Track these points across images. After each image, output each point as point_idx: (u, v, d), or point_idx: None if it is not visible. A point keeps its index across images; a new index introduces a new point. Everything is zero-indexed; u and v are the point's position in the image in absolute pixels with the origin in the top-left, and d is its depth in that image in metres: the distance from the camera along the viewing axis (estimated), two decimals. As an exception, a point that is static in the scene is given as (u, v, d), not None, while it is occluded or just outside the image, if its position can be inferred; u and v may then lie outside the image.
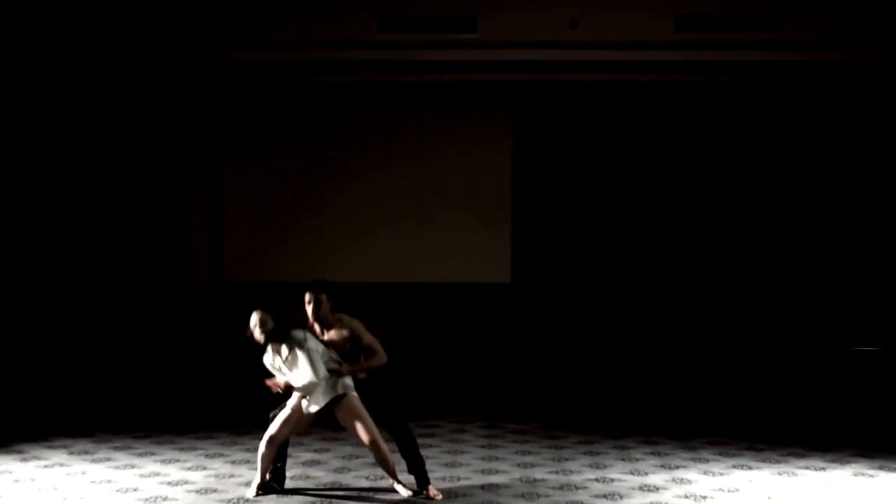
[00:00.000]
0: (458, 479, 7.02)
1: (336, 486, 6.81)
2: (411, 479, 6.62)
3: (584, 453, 7.92)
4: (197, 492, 6.63)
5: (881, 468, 7.39)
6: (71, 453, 7.95)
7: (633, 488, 6.72)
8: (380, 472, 7.19)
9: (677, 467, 7.40)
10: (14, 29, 9.77)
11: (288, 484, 6.81)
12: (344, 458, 7.81)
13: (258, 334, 6.55)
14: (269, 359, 6.59)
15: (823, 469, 7.37)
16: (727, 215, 11.44)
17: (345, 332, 6.65)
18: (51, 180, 10.74)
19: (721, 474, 7.18)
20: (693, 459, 7.70)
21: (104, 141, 11.23)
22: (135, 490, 6.69)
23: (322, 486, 6.80)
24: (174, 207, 11.60)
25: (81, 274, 11.02)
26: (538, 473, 7.19)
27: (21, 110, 10.29)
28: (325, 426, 9.14)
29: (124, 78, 10.90)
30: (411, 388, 11.03)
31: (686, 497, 6.47)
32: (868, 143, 11.27)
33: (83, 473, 7.21)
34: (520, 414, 9.83)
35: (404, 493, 6.53)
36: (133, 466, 7.46)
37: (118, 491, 6.67)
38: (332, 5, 10.22)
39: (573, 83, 11.21)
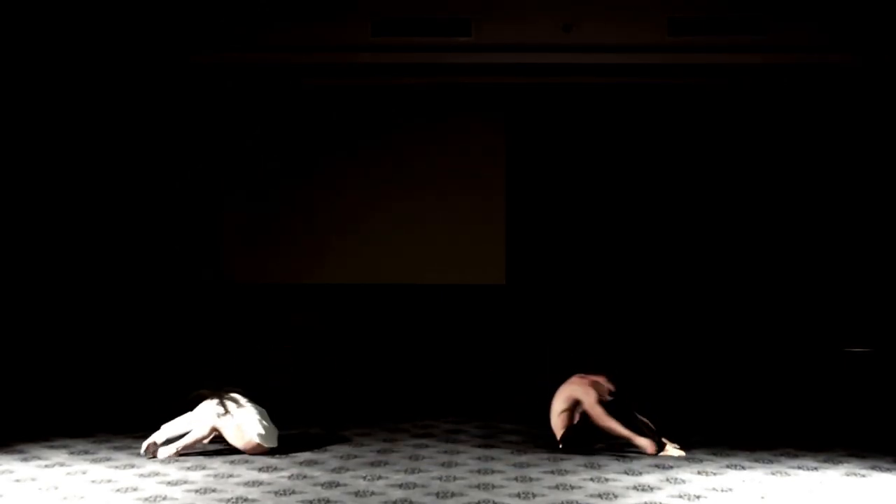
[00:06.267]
0: (454, 478, 7.09)
1: (334, 485, 6.87)
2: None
3: (579, 453, 7.98)
4: (196, 491, 6.69)
5: (873, 468, 7.46)
6: (71, 453, 8.01)
7: (628, 488, 6.79)
8: (377, 471, 7.27)
9: (671, 467, 7.47)
10: (21, 36, 9.87)
11: (285, 484, 6.89)
12: (342, 457, 7.86)
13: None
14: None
15: (816, 469, 7.45)
16: (720, 217, 11.50)
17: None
18: (51, 183, 10.79)
19: (714, 474, 7.25)
20: (687, 459, 7.77)
21: (106, 145, 11.27)
22: (134, 490, 6.74)
23: (319, 486, 6.85)
24: (173, 209, 11.63)
25: (80, 275, 11.06)
26: (533, 473, 7.26)
27: (25, 110, 10.38)
28: (321, 427, 9.28)
29: (128, 82, 10.93)
30: (408, 388, 11.16)
31: (680, 497, 6.54)
32: (859, 145, 11.33)
33: (83, 473, 7.27)
34: (515, 414, 9.92)
35: None
36: (133, 466, 7.52)
37: (118, 490, 6.73)
38: (326, 9, 10.27)
39: (566, 86, 11.25)
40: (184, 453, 7.89)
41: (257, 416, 7.98)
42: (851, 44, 10.14)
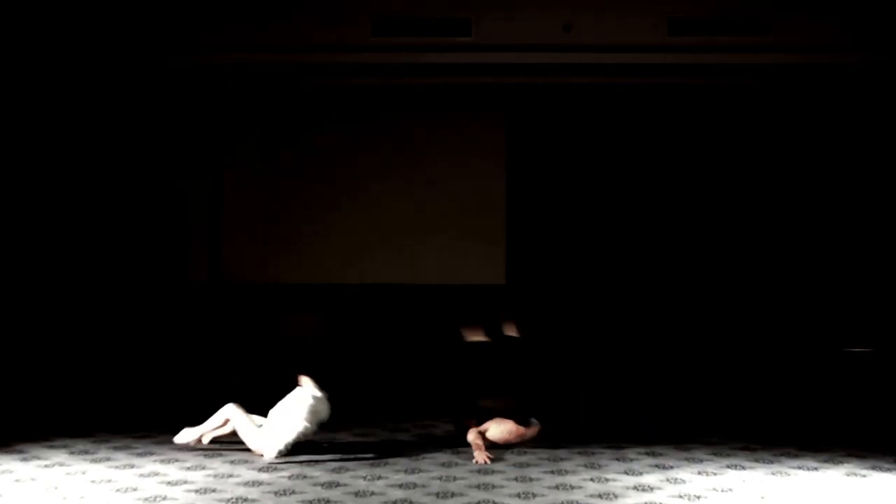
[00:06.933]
0: (454, 478, 7.09)
1: (334, 485, 6.87)
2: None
3: (579, 453, 7.99)
4: (196, 491, 6.69)
5: (873, 468, 7.47)
6: (71, 453, 8.01)
7: (628, 488, 6.79)
8: (377, 471, 7.27)
9: (671, 467, 7.47)
10: (21, 34, 9.86)
11: (286, 484, 6.89)
12: (342, 458, 7.86)
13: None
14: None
15: (816, 469, 7.45)
16: (720, 218, 11.50)
17: None
18: (54, 183, 10.78)
19: (715, 474, 7.25)
20: (687, 459, 7.77)
21: (106, 144, 11.28)
22: (134, 490, 6.74)
23: (319, 486, 6.85)
24: (174, 210, 11.63)
25: (81, 275, 11.06)
26: (533, 473, 7.26)
27: (25, 112, 10.36)
28: (322, 426, 9.26)
29: (126, 82, 10.93)
30: (409, 388, 11.14)
31: (680, 497, 6.54)
32: (860, 145, 11.34)
33: (83, 473, 7.27)
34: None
35: None
36: (133, 466, 7.52)
37: (118, 490, 6.72)
38: (326, 9, 10.27)
39: (566, 86, 11.24)
40: (197, 445, 8.06)
41: (284, 435, 7.76)
42: (852, 43, 10.13)
